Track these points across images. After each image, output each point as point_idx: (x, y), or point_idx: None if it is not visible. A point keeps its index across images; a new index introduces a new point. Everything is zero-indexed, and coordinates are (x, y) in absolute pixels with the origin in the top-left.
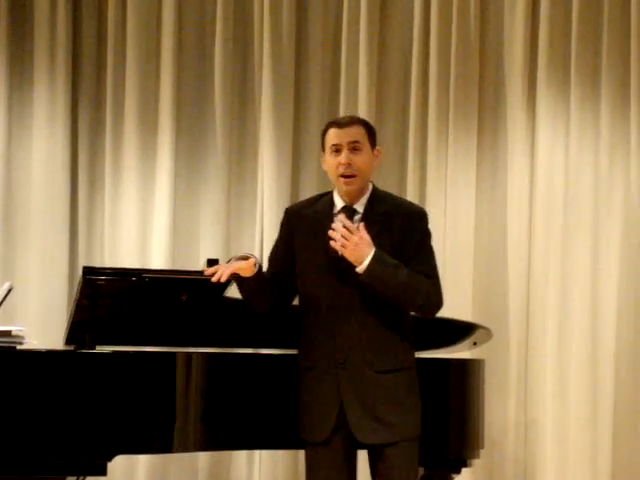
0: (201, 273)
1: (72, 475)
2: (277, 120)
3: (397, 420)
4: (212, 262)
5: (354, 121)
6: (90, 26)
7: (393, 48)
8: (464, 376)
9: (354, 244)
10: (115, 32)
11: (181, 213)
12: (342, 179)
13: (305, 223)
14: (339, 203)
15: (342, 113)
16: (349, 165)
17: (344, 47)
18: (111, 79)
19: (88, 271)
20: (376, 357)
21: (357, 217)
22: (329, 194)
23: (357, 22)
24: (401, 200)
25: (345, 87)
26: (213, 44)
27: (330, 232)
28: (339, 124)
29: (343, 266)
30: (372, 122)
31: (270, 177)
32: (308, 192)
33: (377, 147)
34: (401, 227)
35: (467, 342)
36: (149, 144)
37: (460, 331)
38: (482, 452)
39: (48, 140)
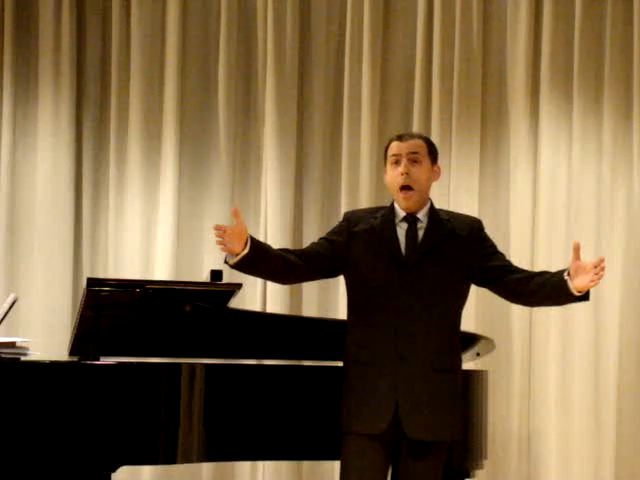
0: (205, 284)
1: None
2: (281, 132)
3: (448, 420)
4: (216, 273)
5: (415, 135)
6: (95, 42)
7: (396, 67)
8: (467, 387)
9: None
10: (119, 49)
11: (185, 225)
12: (401, 194)
13: (366, 227)
14: (401, 212)
15: (345, 127)
16: (407, 175)
17: (347, 63)
18: (115, 94)
19: (92, 282)
20: (436, 356)
21: (420, 225)
22: (389, 205)
23: (360, 45)
24: (457, 212)
25: (348, 102)
26: (217, 60)
27: (595, 269)
28: (400, 137)
29: (407, 268)
30: (375, 138)
31: (274, 189)
32: (312, 204)
33: (437, 164)
34: (465, 235)
35: (470, 353)
36: (153, 157)
37: (463, 342)
38: (486, 462)
39: (53, 155)
